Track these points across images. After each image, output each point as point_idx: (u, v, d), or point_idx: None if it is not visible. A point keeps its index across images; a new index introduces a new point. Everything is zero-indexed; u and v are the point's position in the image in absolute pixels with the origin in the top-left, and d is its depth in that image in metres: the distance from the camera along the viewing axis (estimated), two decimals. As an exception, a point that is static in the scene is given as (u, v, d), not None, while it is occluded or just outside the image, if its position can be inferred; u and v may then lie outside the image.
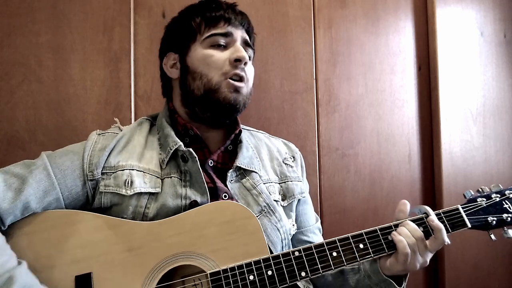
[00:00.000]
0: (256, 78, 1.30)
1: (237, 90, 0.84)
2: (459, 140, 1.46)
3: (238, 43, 0.87)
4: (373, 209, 1.38)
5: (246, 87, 0.87)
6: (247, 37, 0.91)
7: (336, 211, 1.34)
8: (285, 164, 0.97)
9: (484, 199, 0.85)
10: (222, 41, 0.86)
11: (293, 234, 0.91)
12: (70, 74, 1.17)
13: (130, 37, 1.21)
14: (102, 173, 0.80)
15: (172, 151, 0.83)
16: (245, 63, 0.86)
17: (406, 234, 0.77)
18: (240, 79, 0.85)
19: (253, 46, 0.94)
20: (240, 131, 0.91)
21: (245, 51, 0.88)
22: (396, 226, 0.80)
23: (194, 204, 0.79)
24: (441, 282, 1.41)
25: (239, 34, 0.88)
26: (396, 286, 0.79)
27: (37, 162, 0.78)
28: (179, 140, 0.84)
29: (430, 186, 1.46)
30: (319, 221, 1.02)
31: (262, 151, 0.96)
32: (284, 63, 1.33)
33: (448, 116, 1.45)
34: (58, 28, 1.17)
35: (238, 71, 0.84)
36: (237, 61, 0.84)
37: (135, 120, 1.19)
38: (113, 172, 0.80)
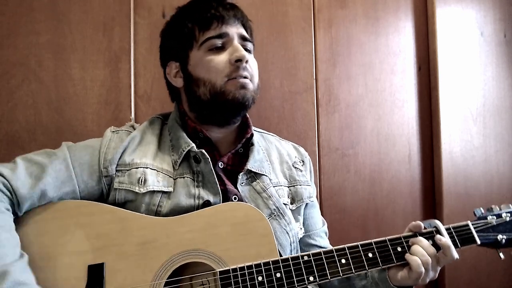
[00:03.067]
0: (256, 78, 1.31)
1: (243, 86, 0.84)
2: (459, 140, 1.46)
3: (236, 41, 0.85)
4: (373, 209, 1.38)
5: (252, 82, 0.86)
6: (244, 31, 0.89)
7: (336, 211, 1.34)
8: (295, 167, 0.97)
9: (495, 217, 0.85)
10: (218, 42, 0.85)
11: (300, 238, 0.92)
12: (70, 74, 1.17)
13: (130, 37, 1.21)
14: (117, 170, 0.82)
15: (184, 152, 0.84)
16: (246, 61, 0.85)
17: (420, 253, 0.77)
18: (245, 77, 0.85)
19: (252, 37, 0.92)
20: (252, 135, 0.91)
21: (244, 46, 0.87)
22: (406, 238, 0.80)
23: (207, 204, 0.80)
24: (441, 282, 1.41)
25: (235, 31, 0.86)
26: None
27: (58, 153, 0.81)
28: (191, 142, 0.85)
29: (430, 186, 1.46)
30: (326, 224, 1.02)
31: (272, 154, 0.96)
32: (284, 63, 1.33)
33: (448, 116, 1.45)
34: (58, 28, 1.16)
35: (240, 72, 0.83)
36: (238, 61, 0.83)
37: (135, 120, 1.20)
38: (127, 170, 0.82)
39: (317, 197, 1.03)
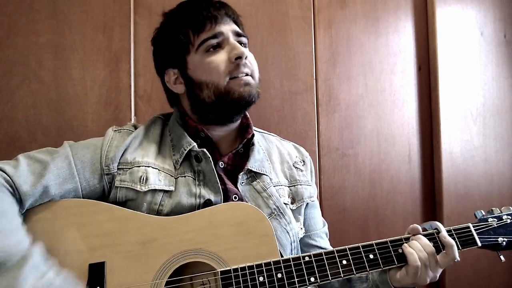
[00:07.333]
0: (256, 78, 1.31)
1: (247, 83, 0.84)
2: (459, 140, 1.46)
3: (232, 39, 0.86)
4: (373, 209, 1.38)
5: (253, 78, 0.87)
6: (236, 28, 0.89)
7: (336, 211, 1.34)
8: (295, 167, 0.97)
9: (495, 220, 0.86)
10: (214, 42, 0.85)
11: (300, 238, 0.92)
12: (70, 74, 1.17)
13: (130, 37, 1.21)
14: (119, 169, 0.82)
15: (186, 151, 0.84)
16: (246, 57, 0.85)
17: (418, 248, 0.77)
18: (246, 74, 0.85)
19: (244, 31, 0.92)
20: (253, 135, 0.91)
21: (240, 41, 0.87)
22: (407, 239, 0.80)
23: (208, 203, 0.80)
24: (441, 282, 1.41)
25: (228, 29, 0.86)
26: None
27: (60, 151, 0.81)
28: (192, 141, 0.85)
29: (430, 186, 1.46)
30: (326, 225, 1.02)
31: (273, 154, 0.96)
32: (284, 63, 1.33)
33: (448, 116, 1.45)
34: (58, 28, 1.16)
35: (242, 69, 0.84)
36: (238, 59, 0.83)
37: (135, 120, 1.20)
38: (129, 168, 0.82)
39: (317, 197, 1.03)
